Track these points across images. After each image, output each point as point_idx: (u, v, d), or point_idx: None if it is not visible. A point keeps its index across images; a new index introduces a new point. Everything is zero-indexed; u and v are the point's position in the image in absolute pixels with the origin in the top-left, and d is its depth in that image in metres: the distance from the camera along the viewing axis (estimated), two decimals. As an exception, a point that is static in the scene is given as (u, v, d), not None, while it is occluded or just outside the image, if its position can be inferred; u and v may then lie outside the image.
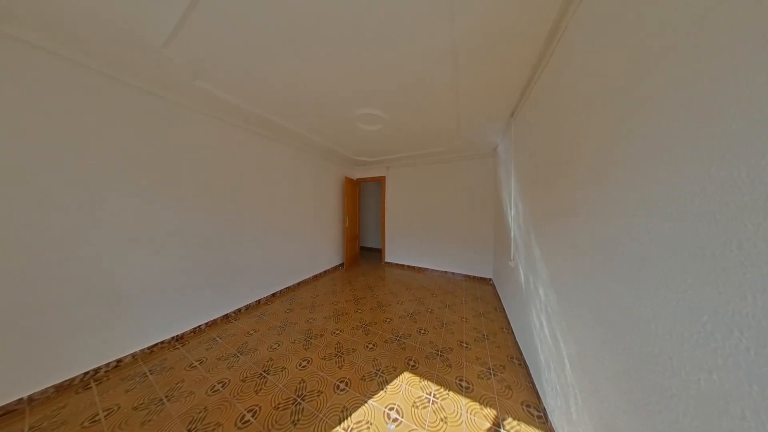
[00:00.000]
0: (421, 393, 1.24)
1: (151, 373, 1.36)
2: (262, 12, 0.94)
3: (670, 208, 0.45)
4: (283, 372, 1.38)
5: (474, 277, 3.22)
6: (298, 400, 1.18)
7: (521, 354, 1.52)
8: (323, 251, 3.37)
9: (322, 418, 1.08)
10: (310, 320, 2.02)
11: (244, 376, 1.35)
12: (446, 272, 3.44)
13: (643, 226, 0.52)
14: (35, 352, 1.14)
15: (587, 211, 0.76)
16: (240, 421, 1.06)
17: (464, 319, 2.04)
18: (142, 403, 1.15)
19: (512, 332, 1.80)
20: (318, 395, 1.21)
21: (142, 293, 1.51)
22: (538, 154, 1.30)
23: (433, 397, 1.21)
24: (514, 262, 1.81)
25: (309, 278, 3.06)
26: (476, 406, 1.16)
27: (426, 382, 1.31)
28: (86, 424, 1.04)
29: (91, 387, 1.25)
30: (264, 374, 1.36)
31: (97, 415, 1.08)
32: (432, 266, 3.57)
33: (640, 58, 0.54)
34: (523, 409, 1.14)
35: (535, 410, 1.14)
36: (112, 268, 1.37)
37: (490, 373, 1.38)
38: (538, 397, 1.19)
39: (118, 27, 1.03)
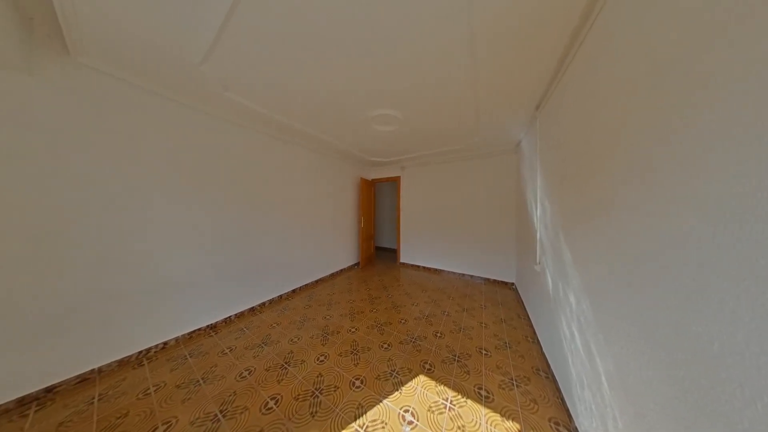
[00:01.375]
0: (437, 398, 1.20)
1: (190, 356, 1.52)
2: (281, 23, 1.00)
3: (737, 207, 0.38)
4: (303, 365, 1.45)
5: (494, 281, 3.05)
6: (316, 393, 1.23)
7: (548, 366, 1.40)
8: (339, 250, 3.46)
9: (338, 413, 1.11)
10: (327, 317, 2.09)
11: (268, 365, 1.44)
12: (464, 275, 3.31)
13: (699, 227, 0.45)
14: (104, 331, 1.35)
15: (628, 211, 0.67)
16: (264, 407, 1.14)
17: (484, 325, 1.94)
18: (183, 383, 1.29)
19: (538, 342, 1.67)
20: (335, 390, 1.25)
21: (183, 284, 1.69)
22: (567, 149, 1.19)
23: (450, 403, 1.17)
24: (540, 266, 1.68)
25: (326, 276, 3.17)
26: (497, 417, 1.10)
27: (442, 387, 1.27)
28: (140, 396, 1.20)
29: (144, 364, 1.44)
30: (285, 365, 1.44)
31: (149, 389, 1.25)
32: (448, 268, 3.46)
33: (699, 30, 0.47)
34: (551, 426, 1.05)
35: (565, 429, 1.04)
36: (160, 262, 1.57)
37: (513, 384, 1.29)
38: (569, 415, 1.08)
39: (166, 51, 1.18)
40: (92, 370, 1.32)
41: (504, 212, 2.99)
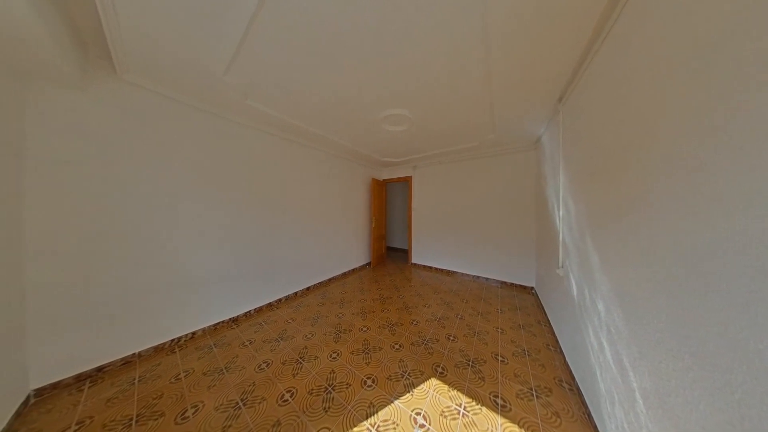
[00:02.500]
0: (449, 403, 1.17)
1: (215, 347, 1.64)
2: (295, 32, 1.04)
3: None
4: (316, 361, 1.49)
5: (512, 285, 2.90)
6: (329, 389, 1.26)
7: (573, 378, 1.30)
8: (351, 250, 3.51)
9: (350, 410, 1.12)
10: (340, 315, 2.13)
11: (284, 359, 1.50)
12: (478, 277, 3.19)
13: (759, 228, 0.38)
14: (142, 319, 1.50)
15: (669, 210, 0.60)
16: (280, 399, 1.19)
17: (500, 330, 1.85)
18: (208, 370, 1.40)
19: (561, 351, 1.56)
20: (347, 387, 1.27)
21: (208, 280, 1.83)
22: (595, 142, 1.09)
23: (464, 409, 1.14)
24: (563, 270, 1.56)
25: (338, 275, 3.24)
26: (514, 428, 1.04)
27: (455, 392, 1.24)
28: (173, 380, 1.32)
29: (175, 351, 1.58)
30: (300, 360, 1.50)
31: (179, 374, 1.36)
32: (462, 270, 3.35)
33: (753, 2, 0.40)
34: (575, 443, 0.97)
35: (593, 448, 0.95)
36: (187, 258, 1.71)
37: (533, 395, 1.22)
38: (597, 433, 0.99)
39: (194, 64, 1.28)
40: (133, 354, 1.47)
41: (522, 212, 2.83)
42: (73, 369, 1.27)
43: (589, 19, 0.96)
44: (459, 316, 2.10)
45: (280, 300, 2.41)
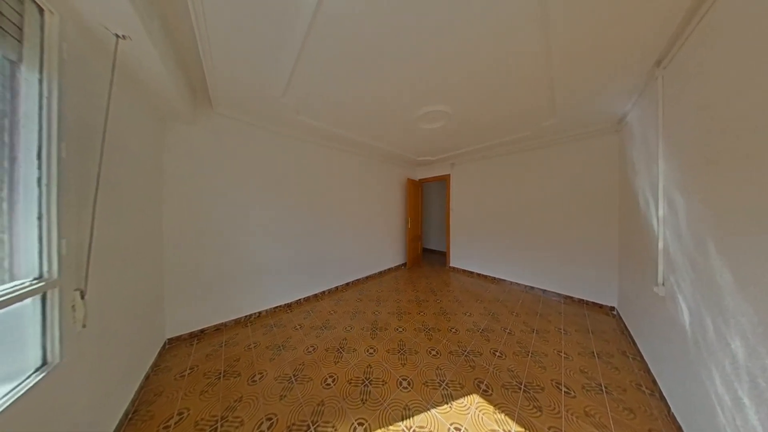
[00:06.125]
0: (496, 427, 1.05)
1: (274, 326, 1.95)
2: (336, 48, 1.13)
3: None
4: (354, 353, 1.58)
5: (582, 301, 2.37)
6: (366, 382, 1.31)
7: (684, 437, 0.96)
8: (387, 250, 3.58)
9: (386, 408, 1.14)
10: (376, 312, 2.20)
11: (327, 347, 1.66)
12: (532, 288, 2.74)
13: None
14: (227, 297, 1.93)
15: None
16: (324, 382, 1.32)
17: (564, 355, 1.54)
18: (270, 345, 1.67)
19: (661, 396, 1.17)
20: (383, 384, 1.30)
21: (269, 270, 2.20)
22: (719, 114, 0.78)
23: (514, 438, 0.99)
24: (664, 289, 1.17)
25: (375, 274, 3.35)
26: (585, 479, 0.84)
27: (503, 416, 1.10)
28: (245, 349, 1.64)
29: (248, 326, 1.95)
30: (340, 350, 1.62)
31: (251, 345, 1.68)
32: (511, 278, 2.95)
33: None
34: None
35: None
36: (256, 252, 2.10)
37: (614, 444, 0.96)
38: None
39: (261, 92, 1.57)
40: (222, 323, 1.90)
41: (598, 211, 2.27)
42: (187, 328, 1.74)
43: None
44: (507, 331, 1.86)
45: (323, 292, 2.67)
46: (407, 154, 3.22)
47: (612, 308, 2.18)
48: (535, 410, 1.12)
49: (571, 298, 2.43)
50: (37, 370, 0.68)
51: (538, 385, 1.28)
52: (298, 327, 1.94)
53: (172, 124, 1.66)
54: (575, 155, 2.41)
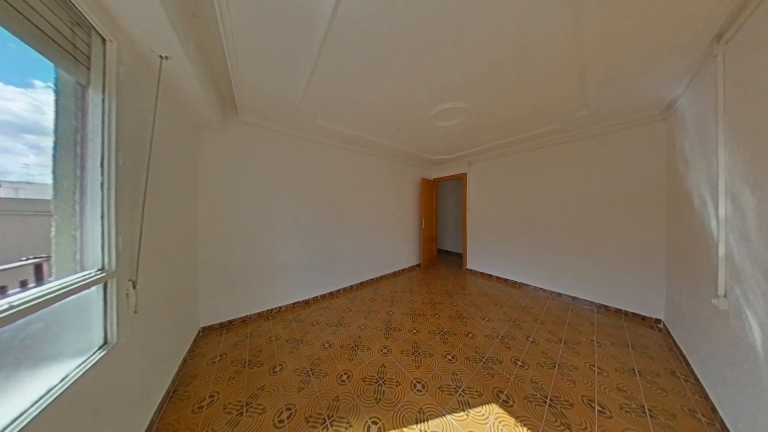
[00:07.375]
0: (517, 440, 0.98)
1: (293, 321, 2.05)
2: (352, 52, 1.15)
3: None
4: (368, 352, 1.60)
5: (619, 311, 2.13)
6: (380, 381, 1.32)
7: (754, 478, 0.81)
8: (401, 250, 3.56)
9: (399, 409, 1.14)
10: (390, 312, 2.20)
11: (342, 344, 1.70)
12: (560, 295, 2.53)
13: None
14: (251, 291, 2.07)
15: None
16: (339, 378, 1.35)
17: (597, 370, 1.40)
18: (289, 339, 1.76)
19: (722, 427, 1.00)
20: (396, 385, 1.29)
21: (289, 267, 2.31)
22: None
23: (538, 455, 0.92)
24: (726, 302, 1.01)
25: (388, 274, 3.35)
26: None
27: (525, 429, 1.03)
28: (266, 341, 1.74)
29: (269, 319, 2.08)
30: (355, 348, 1.65)
31: (272, 337, 1.79)
32: (535, 283, 2.75)
33: None
34: None
35: None
36: (278, 250, 2.22)
37: (660, 475, 0.84)
38: None
39: (281, 98, 1.66)
40: (247, 315, 2.05)
41: (640, 211, 2.03)
42: (218, 318, 1.91)
43: None
44: (530, 339, 1.73)
45: (339, 290, 2.74)
46: (422, 153, 3.17)
47: (657, 321, 1.92)
48: (563, 427, 1.03)
49: (606, 307, 2.20)
50: (100, 348, 0.80)
51: (566, 401, 1.17)
52: (314, 323, 2.02)
53: (205, 134, 1.83)
54: (613, 148, 2.17)
